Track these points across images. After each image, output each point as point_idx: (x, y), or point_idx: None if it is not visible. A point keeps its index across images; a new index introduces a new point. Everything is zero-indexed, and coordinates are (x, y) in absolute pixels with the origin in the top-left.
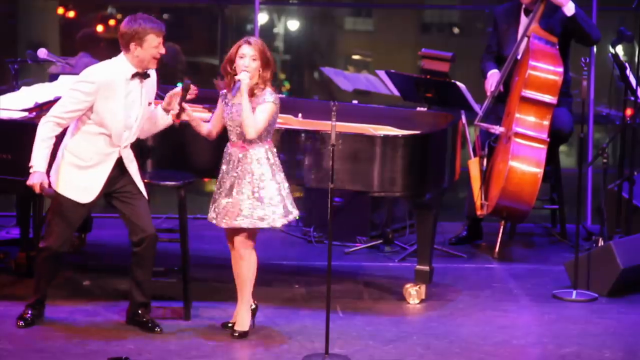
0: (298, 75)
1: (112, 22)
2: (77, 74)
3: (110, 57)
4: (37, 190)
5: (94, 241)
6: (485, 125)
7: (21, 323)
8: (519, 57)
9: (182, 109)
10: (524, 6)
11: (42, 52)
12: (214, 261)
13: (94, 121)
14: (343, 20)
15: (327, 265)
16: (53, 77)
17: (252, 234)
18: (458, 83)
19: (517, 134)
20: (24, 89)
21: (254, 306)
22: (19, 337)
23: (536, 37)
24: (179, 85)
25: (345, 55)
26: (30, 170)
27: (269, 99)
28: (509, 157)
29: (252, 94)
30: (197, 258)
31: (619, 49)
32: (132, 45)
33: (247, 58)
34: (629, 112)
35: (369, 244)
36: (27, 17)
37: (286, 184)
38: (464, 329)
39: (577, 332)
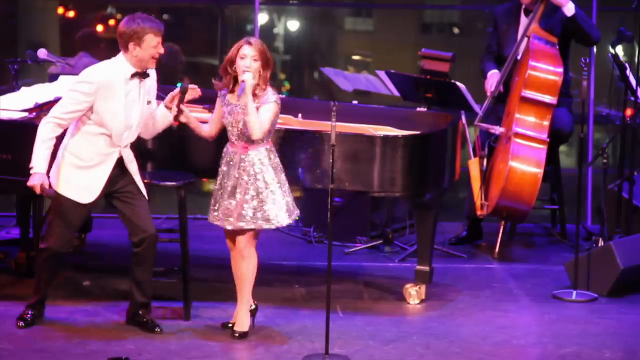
0: (298, 75)
1: (112, 22)
2: (76, 74)
3: (110, 57)
4: (38, 191)
5: (94, 241)
6: (485, 125)
7: (21, 323)
8: (519, 57)
9: (180, 111)
10: (524, 6)
11: (42, 53)
12: (214, 261)
13: (94, 121)
14: (343, 20)
15: (327, 265)
16: (53, 77)
17: (254, 234)
18: (458, 83)
19: (517, 134)
20: (24, 89)
21: (253, 306)
22: (19, 337)
23: (536, 37)
24: (179, 86)
25: (345, 55)
26: (31, 172)
27: (271, 99)
28: (509, 157)
29: (253, 94)
30: (197, 258)
31: (619, 49)
32: (130, 45)
33: (248, 58)
34: (629, 112)
35: (369, 244)
36: (27, 17)
37: (287, 184)
38: (464, 329)
39: (577, 332)
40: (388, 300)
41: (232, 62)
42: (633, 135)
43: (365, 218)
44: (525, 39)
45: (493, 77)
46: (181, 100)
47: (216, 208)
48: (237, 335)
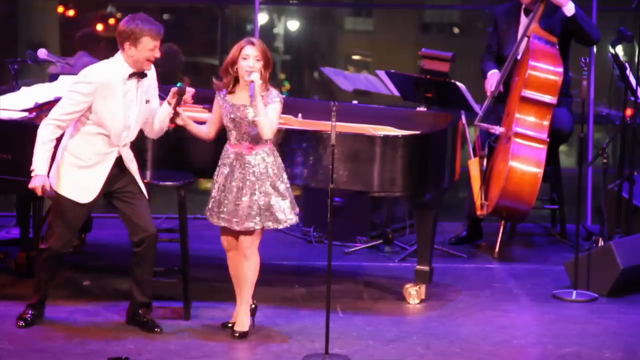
0: (298, 75)
1: (112, 21)
2: (76, 73)
3: (110, 57)
4: (39, 193)
5: (94, 241)
6: (485, 125)
7: (21, 323)
8: (519, 57)
9: (176, 113)
10: (524, 6)
11: (42, 53)
12: (214, 261)
13: (92, 121)
14: (343, 20)
15: (327, 265)
16: (53, 77)
17: (259, 234)
18: (458, 83)
19: (517, 134)
20: (24, 89)
21: (253, 306)
22: (19, 337)
23: (536, 37)
24: (178, 86)
25: (345, 55)
26: (32, 174)
27: (276, 99)
28: (509, 157)
29: None
30: (197, 258)
31: (619, 49)
32: (126, 45)
33: (251, 59)
34: (629, 112)
35: (369, 244)
36: (27, 17)
37: (289, 183)
38: (464, 329)
39: (577, 332)
40: (388, 300)
41: (234, 62)
42: (633, 135)
43: (365, 218)
44: (525, 39)
45: (493, 77)
46: (178, 103)
47: (221, 209)
48: (237, 335)
